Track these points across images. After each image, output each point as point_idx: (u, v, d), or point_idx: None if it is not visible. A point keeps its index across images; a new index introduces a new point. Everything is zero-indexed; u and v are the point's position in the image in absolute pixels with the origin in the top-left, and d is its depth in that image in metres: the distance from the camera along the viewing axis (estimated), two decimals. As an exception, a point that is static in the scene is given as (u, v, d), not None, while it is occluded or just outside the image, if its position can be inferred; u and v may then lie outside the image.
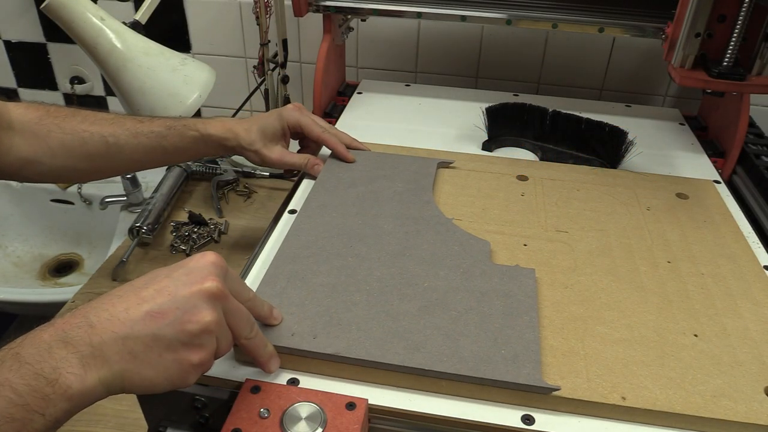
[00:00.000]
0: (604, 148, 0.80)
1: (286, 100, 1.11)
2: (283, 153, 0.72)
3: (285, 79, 1.09)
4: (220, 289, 0.41)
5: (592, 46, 1.09)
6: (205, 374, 0.48)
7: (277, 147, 0.72)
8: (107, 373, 0.38)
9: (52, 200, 1.21)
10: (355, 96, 0.99)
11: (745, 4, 0.68)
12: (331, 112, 0.95)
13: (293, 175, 1.02)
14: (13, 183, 1.22)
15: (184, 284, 0.41)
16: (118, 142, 0.64)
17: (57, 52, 1.29)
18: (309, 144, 0.77)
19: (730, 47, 0.70)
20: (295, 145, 0.79)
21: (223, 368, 0.49)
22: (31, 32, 1.27)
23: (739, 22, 0.69)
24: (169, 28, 1.20)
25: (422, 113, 0.94)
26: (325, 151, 0.80)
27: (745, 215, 0.71)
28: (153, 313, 0.39)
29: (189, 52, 1.23)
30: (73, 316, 0.38)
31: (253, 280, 0.59)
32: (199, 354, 0.41)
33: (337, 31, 0.96)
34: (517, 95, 0.98)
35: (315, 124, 0.73)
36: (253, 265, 0.61)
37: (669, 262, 0.61)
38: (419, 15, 0.88)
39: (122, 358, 0.38)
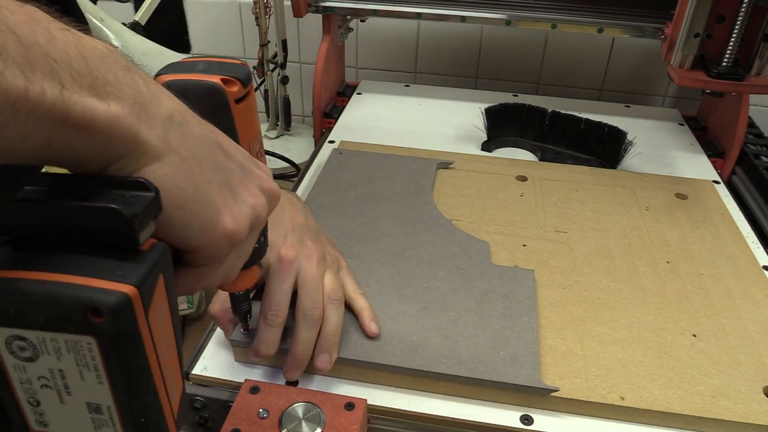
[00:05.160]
0: (604, 148, 0.80)
1: (286, 101, 1.12)
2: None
3: (285, 80, 1.09)
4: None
5: (592, 47, 1.09)
6: (205, 374, 0.49)
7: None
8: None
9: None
10: (354, 96, 0.99)
11: (744, 5, 0.68)
12: (331, 113, 0.95)
13: (293, 175, 1.02)
14: (13, 183, 1.22)
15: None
16: None
17: (57, 52, 1.29)
18: None
19: (729, 47, 0.71)
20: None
21: (223, 369, 0.49)
22: (31, 33, 1.27)
23: (738, 22, 0.69)
24: (168, 29, 1.20)
25: (422, 113, 0.94)
26: (324, 153, 0.80)
27: (744, 215, 0.71)
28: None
29: (189, 53, 1.23)
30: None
31: (253, 280, 0.59)
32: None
33: (337, 31, 0.96)
34: (517, 95, 0.98)
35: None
36: (252, 266, 0.61)
37: (668, 262, 0.61)
38: (419, 15, 0.89)
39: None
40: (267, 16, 1.03)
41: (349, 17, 0.98)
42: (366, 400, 0.45)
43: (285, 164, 1.04)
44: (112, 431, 0.27)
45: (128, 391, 0.25)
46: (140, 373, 0.26)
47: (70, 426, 0.27)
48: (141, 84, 0.27)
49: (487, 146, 0.84)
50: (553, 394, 0.46)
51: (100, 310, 0.23)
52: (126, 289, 0.23)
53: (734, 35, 0.70)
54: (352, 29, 1.05)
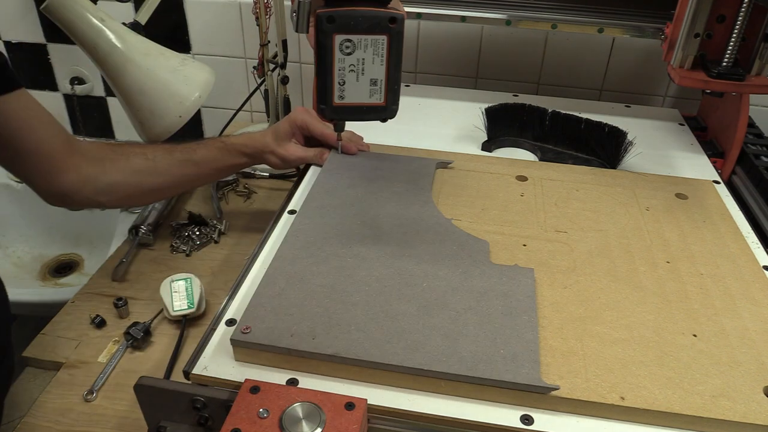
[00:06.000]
0: (604, 148, 0.80)
1: (286, 101, 1.12)
2: (297, 148, 0.78)
3: (285, 80, 1.09)
4: None
5: (592, 47, 1.09)
6: (205, 374, 0.49)
7: (290, 144, 0.78)
8: None
9: (53, 201, 1.21)
10: (354, 96, 0.99)
11: (744, 5, 0.68)
12: (331, 113, 0.95)
13: (293, 175, 1.02)
14: (14, 183, 1.22)
15: None
16: (155, 157, 0.74)
17: (57, 52, 1.29)
18: (315, 143, 0.81)
19: (730, 47, 0.71)
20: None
21: (223, 369, 0.49)
22: (32, 33, 1.27)
23: (739, 22, 0.69)
24: (169, 29, 1.21)
25: (422, 113, 0.94)
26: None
27: (744, 215, 0.71)
28: None
29: (189, 53, 1.23)
30: None
31: (253, 280, 0.59)
32: None
33: (337, 31, 0.96)
34: (517, 95, 0.98)
35: (319, 122, 0.78)
36: (252, 266, 0.61)
37: (668, 262, 0.61)
38: (419, 15, 0.89)
39: None
40: (267, 16, 1.03)
41: (349, 17, 0.98)
42: (366, 399, 0.45)
43: (285, 164, 1.04)
44: (379, 96, 0.60)
45: (395, 67, 0.58)
46: (399, 57, 0.58)
47: (356, 96, 0.60)
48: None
49: (487, 146, 0.84)
50: (553, 393, 0.46)
51: (396, 19, 0.56)
52: (402, 12, 0.56)
53: (734, 35, 0.70)
54: (353, 29, 1.05)
